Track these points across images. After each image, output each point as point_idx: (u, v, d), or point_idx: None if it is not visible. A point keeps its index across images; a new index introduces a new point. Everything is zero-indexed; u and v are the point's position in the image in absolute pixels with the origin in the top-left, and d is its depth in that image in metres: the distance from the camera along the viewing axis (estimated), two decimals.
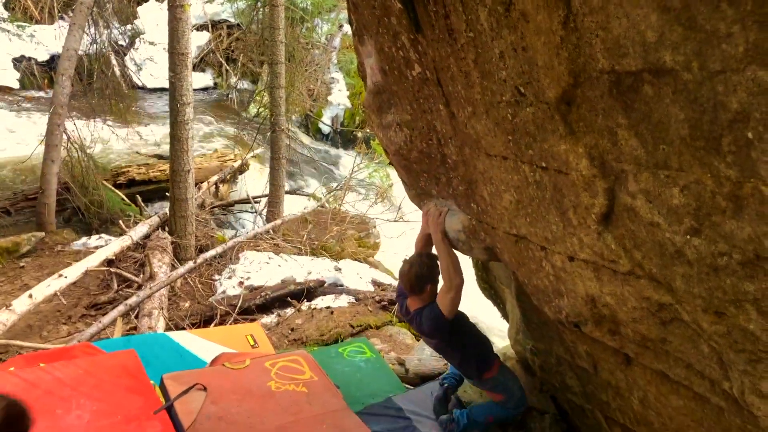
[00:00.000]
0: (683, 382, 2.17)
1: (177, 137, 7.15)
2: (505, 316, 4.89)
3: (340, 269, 8.25)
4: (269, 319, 6.94)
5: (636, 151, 1.69)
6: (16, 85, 14.80)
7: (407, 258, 3.66)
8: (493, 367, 3.79)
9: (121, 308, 5.54)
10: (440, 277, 3.47)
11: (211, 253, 7.27)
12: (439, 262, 3.43)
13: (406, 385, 4.82)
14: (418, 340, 6.81)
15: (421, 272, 3.47)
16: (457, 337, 3.62)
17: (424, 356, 5.67)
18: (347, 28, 17.03)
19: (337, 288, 7.79)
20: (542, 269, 2.59)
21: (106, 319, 5.33)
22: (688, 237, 1.67)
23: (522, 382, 4.28)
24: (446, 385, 4.17)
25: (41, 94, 14.45)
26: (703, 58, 1.35)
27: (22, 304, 5.65)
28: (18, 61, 14.93)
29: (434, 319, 3.44)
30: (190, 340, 4.66)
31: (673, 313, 1.93)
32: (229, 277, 7.53)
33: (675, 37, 1.37)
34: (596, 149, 1.85)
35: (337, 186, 11.05)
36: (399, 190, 10.93)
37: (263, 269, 7.75)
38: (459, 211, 3.22)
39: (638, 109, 1.60)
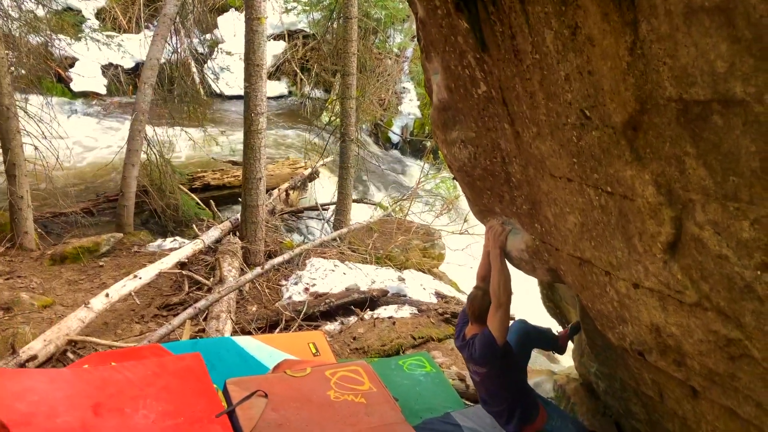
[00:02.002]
0: (753, 422, 2.07)
1: (250, 146, 7.36)
2: (571, 340, 4.78)
3: (403, 279, 8.26)
4: (332, 326, 7.02)
5: (704, 181, 1.64)
6: (103, 91, 15.57)
7: (479, 286, 3.62)
8: (536, 422, 3.67)
9: (190, 311, 5.74)
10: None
11: (279, 259, 7.43)
12: (491, 278, 3.38)
13: (466, 402, 4.78)
14: None
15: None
16: (507, 371, 3.54)
17: None
18: None
19: (400, 298, 7.80)
20: (606, 294, 2.53)
21: (175, 321, 5.53)
22: (759, 272, 1.60)
23: (586, 407, 4.18)
24: None
25: (126, 99, 15.15)
26: None
27: (99, 302, 5.94)
28: (106, 69, 15.71)
29: (486, 344, 3.38)
30: (254, 345, 4.77)
31: (743, 349, 1.85)
32: (296, 283, 7.67)
33: (746, 68, 1.32)
34: (663, 177, 1.80)
35: (403, 196, 11.07)
36: (465, 202, 10.87)
37: (328, 276, 7.85)
38: (522, 230, 3.18)
39: (707, 139, 1.55)
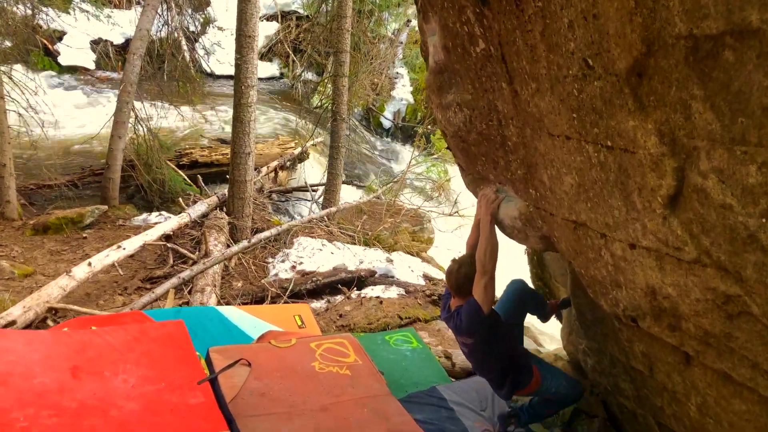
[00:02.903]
0: (748, 384, 2.03)
1: (239, 119, 7.25)
2: (559, 315, 4.74)
3: (392, 261, 8.21)
4: (319, 304, 6.96)
5: (711, 126, 1.58)
6: (91, 66, 15.35)
7: (456, 258, 3.57)
8: (528, 387, 3.65)
9: (174, 281, 5.65)
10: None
11: (266, 234, 7.34)
12: (478, 244, 3.30)
13: (452, 379, 4.74)
14: None
15: (469, 272, 3.36)
16: (495, 339, 3.49)
17: None
18: (414, 24, 16.98)
19: (387, 279, 7.75)
20: (601, 258, 2.48)
21: (159, 290, 5.44)
22: (764, 220, 1.54)
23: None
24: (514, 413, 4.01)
25: (115, 75, 14.93)
26: None
27: (81, 271, 5.84)
28: (95, 44, 15.47)
29: (471, 314, 3.32)
30: (238, 315, 4.71)
31: (741, 305, 1.80)
32: (282, 261, 7.60)
33: None
34: (667, 125, 1.74)
35: (394, 178, 11.01)
36: (456, 185, 10.84)
37: (316, 255, 7.78)
38: (516, 197, 3.12)
39: (716, 78, 1.49)
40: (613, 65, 1.82)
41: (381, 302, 6.94)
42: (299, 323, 4.81)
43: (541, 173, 2.66)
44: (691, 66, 1.54)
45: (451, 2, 2.67)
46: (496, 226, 3.31)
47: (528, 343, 6.76)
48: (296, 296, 6.92)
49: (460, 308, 3.43)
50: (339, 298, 7.13)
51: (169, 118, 10.60)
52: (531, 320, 7.73)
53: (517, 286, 3.83)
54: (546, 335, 6.93)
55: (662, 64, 1.64)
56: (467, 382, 4.30)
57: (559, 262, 3.89)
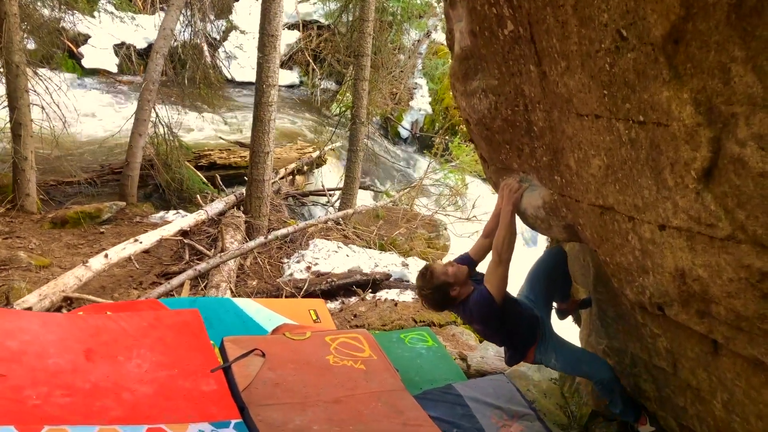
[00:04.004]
0: None
1: (260, 118, 7.27)
2: (577, 318, 4.67)
3: (407, 265, 8.16)
4: (333, 305, 6.92)
5: (751, 89, 1.53)
6: (114, 70, 15.52)
7: (416, 285, 3.56)
8: (527, 357, 3.62)
9: (190, 273, 5.65)
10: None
11: (283, 231, 7.33)
12: (497, 233, 3.25)
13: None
14: (481, 342, 6.64)
15: (435, 286, 3.34)
16: (505, 325, 3.45)
17: (488, 354, 5.50)
18: (434, 36, 17.03)
19: (402, 283, 7.70)
20: (627, 243, 2.42)
21: (175, 281, 5.44)
22: None
23: (590, 388, 4.06)
24: None
25: (137, 78, 15.09)
26: None
27: (97, 262, 5.85)
28: (118, 48, 15.66)
29: (483, 305, 3.27)
30: (254, 308, 4.69)
31: None
32: (298, 261, 7.58)
33: None
34: (704, 93, 1.69)
35: (411, 184, 11.00)
36: (472, 192, 10.80)
37: (331, 257, 7.76)
38: (540, 186, 3.08)
39: (760, 36, 1.45)
40: (648, 34, 1.78)
41: (396, 305, 6.90)
42: (314, 317, 4.78)
43: (568, 157, 2.62)
44: (733, 25, 1.50)
45: None
46: (517, 217, 3.26)
47: None
48: (311, 296, 6.87)
49: (466, 299, 3.38)
50: (353, 299, 7.10)
51: (189, 120, 10.66)
52: None
53: (556, 255, 3.80)
54: None
55: (701, 27, 1.60)
56: (483, 380, 4.23)
57: (579, 260, 3.82)
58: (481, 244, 3.61)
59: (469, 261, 3.59)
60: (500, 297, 3.24)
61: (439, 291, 3.35)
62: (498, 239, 3.21)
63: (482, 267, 3.58)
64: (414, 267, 8.21)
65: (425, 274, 3.41)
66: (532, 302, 3.62)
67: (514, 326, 3.49)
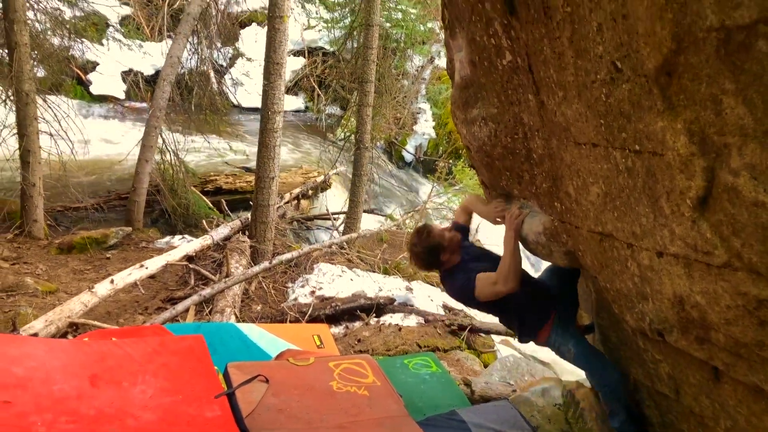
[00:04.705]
0: None
1: (265, 144, 7.34)
2: None
3: (411, 289, 8.16)
4: (337, 329, 6.92)
5: (743, 120, 1.57)
6: (121, 96, 15.70)
7: (410, 241, 3.55)
8: (541, 334, 3.58)
9: (195, 298, 5.67)
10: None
11: (287, 256, 7.36)
12: (501, 260, 3.28)
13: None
14: (486, 367, 6.62)
15: (428, 246, 3.39)
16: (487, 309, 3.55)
17: (492, 380, 5.49)
18: (437, 62, 17.20)
19: (407, 307, 7.69)
20: (627, 270, 2.45)
21: (180, 307, 5.46)
22: None
23: (595, 413, 4.05)
24: None
25: (143, 105, 15.26)
26: None
27: (103, 288, 5.88)
28: (126, 74, 15.86)
29: (464, 293, 3.41)
30: (257, 333, 4.69)
31: None
32: (302, 286, 7.59)
33: None
34: (697, 123, 1.73)
35: (415, 208, 11.03)
36: (475, 216, 10.79)
37: (335, 281, 7.76)
38: (541, 212, 3.11)
39: (748, 70, 1.48)
40: (642, 66, 1.83)
41: (400, 329, 6.89)
42: (318, 343, 4.78)
43: (567, 185, 2.65)
44: (723, 59, 1.54)
45: (478, 15, 2.71)
46: (519, 243, 3.29)
47: (551, 372, 6.68)
48: (315, 321, 6.87)
49: (452, 273, 3.46)
50: (357, 324, 7.09)
51: (195, 146, 10.77)
52: (547, 352, 7.61)
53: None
54: (566, 367, 6.80)
55: (692, 61, 1.64)
56: (487, 406, 4.22)
57: (582, 286, 3.84)
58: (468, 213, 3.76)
59: (463, 228, 3.67)
60: (483, 299, 3.33)
61: (431, 252, 3.42)
62: (504, 266, 3.23)
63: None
64: (418, 291, 8.21)
65: (422, 231, 3.45)
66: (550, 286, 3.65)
67: (521, 304, 3.49)
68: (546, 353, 7.42)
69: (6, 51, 7.59)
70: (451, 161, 12.73)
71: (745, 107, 1.54)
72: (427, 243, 3.41)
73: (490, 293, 3.26)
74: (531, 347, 7.75)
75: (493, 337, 7.56)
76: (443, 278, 3.61)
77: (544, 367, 6.56)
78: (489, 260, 3.52)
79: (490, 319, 8.21)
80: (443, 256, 3.42)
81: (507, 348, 7.65)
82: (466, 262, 3.49)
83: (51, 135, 7.91)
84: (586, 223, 2.62)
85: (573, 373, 6.20)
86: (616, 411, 3.52)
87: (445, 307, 8.10)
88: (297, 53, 17.82)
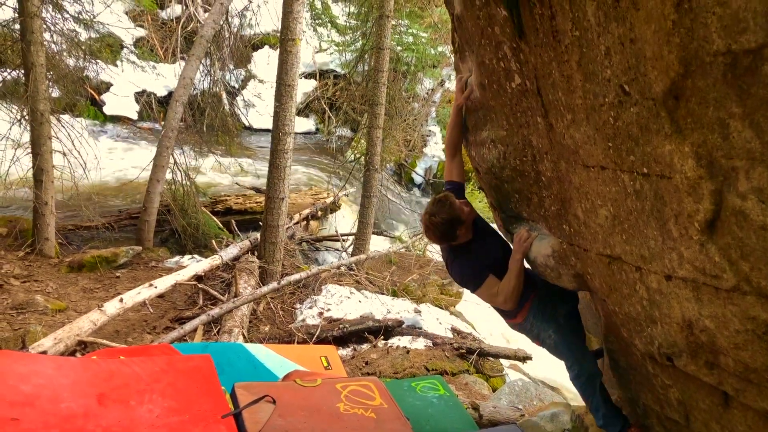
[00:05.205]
0: None
1: (275, 165, 7.39)
2: None
3: (419, 312, 8.14)
4: (345, 351, 6.90)
5: (750, 144, 1.57)
6: (134, 117, 15.89)
7: (427, 210, 3.39)
8: (516, 318, 3.58)
9: (203, 318, 5.68)
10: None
11: (296, 277, 7.37)
12: (504, 278, 3.31)
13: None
14: (494, 391, 6.56)
15: (447, 216, 3.27)
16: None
17: (501, 404, 5.44)
18: (447, 85, 17.32)
19: (415, 330, 7.66)
20: (635, 293, 2.44)
21: (188, 326, 5.47)
22: None
23: None
24: None
25: (156, 126, 15.42)
26: None
27: (112, 306, 5.90)
28: (139, 95, 16.07)
29: (467, 280, 3.48)
30: (264, 353, 4.68)
31: None
32: (310, 307, 7.58)
33: None
34: (704, 147, 1.74)
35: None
36: None
37: (344, 303, 7.76)
38: (549, 234, 3.11)
39: (755, 95, 1.49)
40: (649, 89, 1.84)
41: (408, 352, 6.85)
42: (325, 364, 4.76)
43: (576, 207, 2.66)
44: (729, 83, 1.55)
45: (488, 39, 2.74)
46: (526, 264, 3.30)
47: (556, 398, 6.61)
48: (322, 342, 6.86)
49: (458, 254, 3.45)
50: (365, 346, 7.07)
51: (206, 166, 10.86)
52: (556, 377, 7.54)
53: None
54: (571, 392, 6.74)
55: (699, 84, 1.65)
56: (495, 430, 4.18)
57: (590, 310, 3.82)
58: (457, 165, 3.66)
59: (457, 186, 3.61)
60: (479, 296, 3.47)
61: (450, 223, 3.28)
62: (507, 286, 3.28)
63: None
64: (426, 314, 8.18)
65: (444, 201, 3.29)
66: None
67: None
68: (555, 377, 7.37)
69: (22, 71, 7.71)
70: None
71: (752, 131, 1.55)
72: (448, 214, 3.25)
73: (487, 299, 3.37)
74: (541, 372, 7.71)
75: (502, 361, 7.51)
76: (451, 253, 3.51)
77: (553, 392, 6.50)
78: (495, 241, 3.55)
79: (499, 343, 8.17)
80: (460, 230, 3.32)
81: (516, 372, 7.60)
82: (475, 241, 3.45)
83: (64, 154, 7.99)
84: (594, 245, 2.62)
85: (578, 398, 6.14)
86: (597, 405, 3.48)
87: (454, 330, 8.06)
88: (308, 75, 18.03)
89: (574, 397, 6.71)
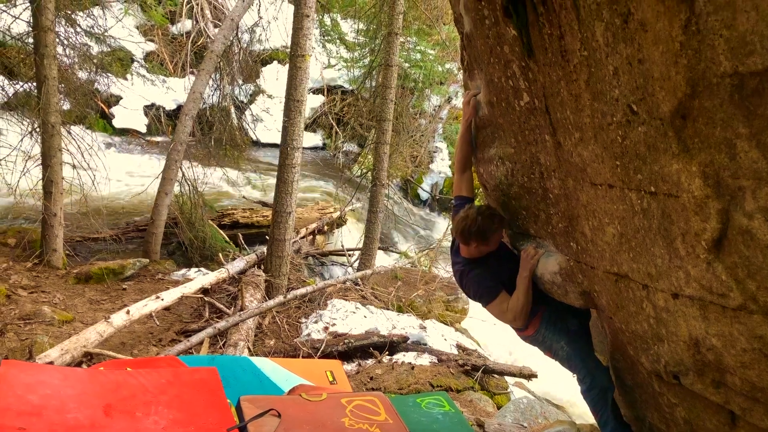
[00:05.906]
0: None
1: (283, 179, 7.44)
2: None
3: (425, 328, 8.13)
4: (350, 366, 6.89)
5: (756, 164, 1.59)
6: (143, 130, 16.01)
7: (470, 207, 3.39)
8: (527, 330, 3.56)
9: (209, 330, 5.69)
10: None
11: (302, 291, 7.38)
12: (512, 296, 3.34)
13: None
14: (499, 408, 6.53)
15: (484, 225, 3.26)
16: None
17: (506, 422, 5.42)
18: (455, 102, 17.41)
19: (420, 346, 7.66)
20: (642, 311, 2.45)
21: (194, 339, 5.48)
22: None
23: None
24: None
25: (165, 139, 15.53)
26: None
27: (119, 318, 5.93)
28: (148, 109, 16.20)
29: (477, 293, 3.50)
30: (270, 367, 4.69)
31: None
32: (316, 322, 7.59)
33: None
34: (711, 166, 1.75)
35: (430, 245, 11.05)
36: None
37: (349, 318, 7.76)
38: (556, 252, 3.12)
39: (762, 115, 1.51)
40: (657, 109, 1.86)
41: (413, 368, 6.85)
42: (330, 379, 4.76)
43: (583, 225, 2.67)
44: (736, 104, 1.57)
45: (497, 57, 2.77)
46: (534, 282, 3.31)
47: (564, 415, 6.58)
48: (327, 357, 6.86)
49: (472, 267, 3.45)
50: (370, 361, 7.06)
51: (214, 179, 10.92)
52: (561, 395, 7.51)
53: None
54: (580, 410, 6.70)
55: (706, 105, 1.67)
56: None
57: (597, 327, 3.82)
58: (467, 180, 3.69)
59: (469, 202, 3.61)
60: (488, 311, 3.50)
61: (484, 232, 3.28)
62: (516, 304, 3.30)
63: None
64: (432, 330, 8.17)
65: (494, 210, 3.36)
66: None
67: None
68: (561, 395, 7.34)
69: (35, 84, 7.80)
70: None
71: (759, 151, 1.57)
72: (488, 223, 3.27)
73: (497, 314, 3.40)
74: (545, 390, 7.69)
75: (507, 378, 7.49)
76: (467, 265, 3.49)
77: (558, 410, 6.48)
78: (512, 264, 3.48)
79: (504, 360, 8.15)
80: (485, 244, 3.34)
81: (521, 390, 7.57)
82: (494, 255, 3.46)
83: (74, 166, 8.06)
84: (601, 263, 2.63)
85: (587, 417, 6.12)
86: (606, 420, 3.46)
87: (459, 346, 8.05)
88: (316, 91, 18.16)
89: (579, 415, 6.68)
